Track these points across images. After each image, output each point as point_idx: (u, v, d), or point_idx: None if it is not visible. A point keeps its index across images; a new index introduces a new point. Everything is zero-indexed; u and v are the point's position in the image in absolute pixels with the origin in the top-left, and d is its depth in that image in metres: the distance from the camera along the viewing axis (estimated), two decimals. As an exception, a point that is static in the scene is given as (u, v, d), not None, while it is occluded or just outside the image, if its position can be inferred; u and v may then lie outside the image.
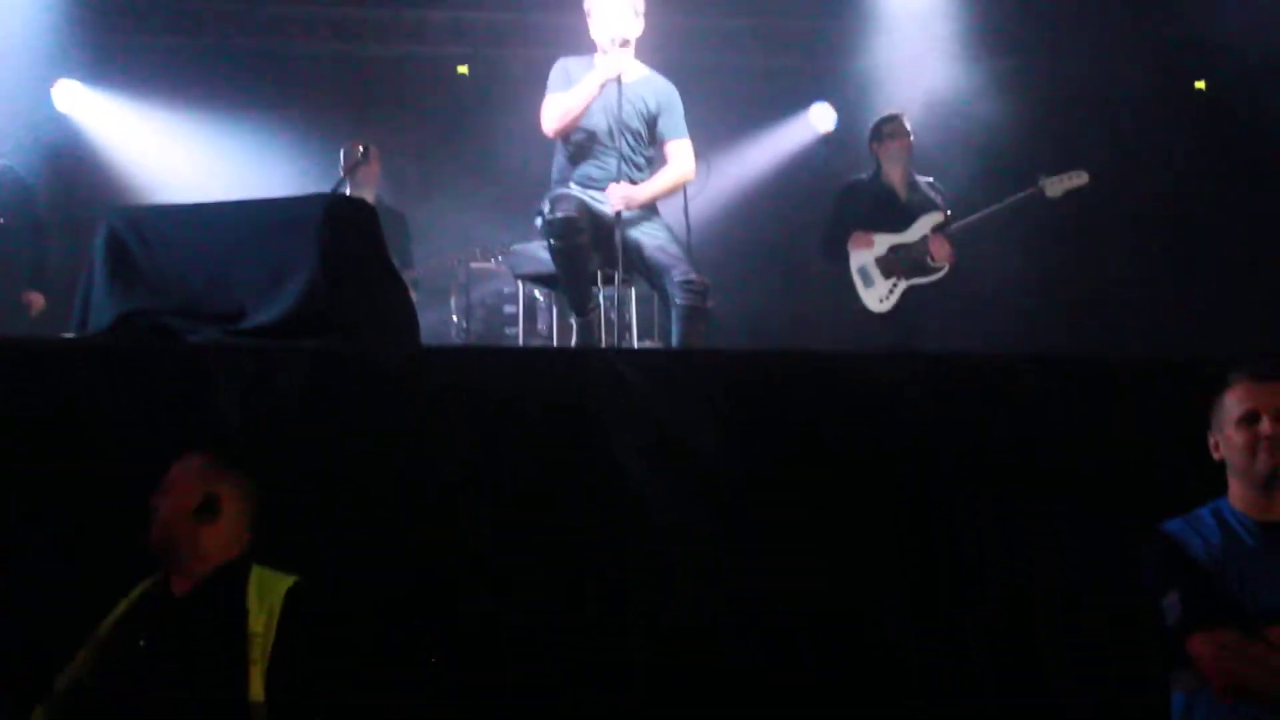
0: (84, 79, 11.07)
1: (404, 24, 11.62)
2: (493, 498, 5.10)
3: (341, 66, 11.62)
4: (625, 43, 7.24)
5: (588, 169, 7.32)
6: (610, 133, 7.22)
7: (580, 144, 7.32)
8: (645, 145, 7.37)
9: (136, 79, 11.10)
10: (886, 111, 9.31)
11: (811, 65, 11.74)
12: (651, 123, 7.36)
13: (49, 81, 10.89)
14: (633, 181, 7.24)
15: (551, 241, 7.03)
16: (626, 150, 7.27)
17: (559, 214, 6.96)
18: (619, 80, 7.15)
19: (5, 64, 10.06)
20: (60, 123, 11.00)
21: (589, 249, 7.06)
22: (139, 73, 11.12)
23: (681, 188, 7.37)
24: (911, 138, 9.05)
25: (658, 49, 7.58)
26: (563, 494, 5.14)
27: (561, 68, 7.38)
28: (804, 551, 5.12)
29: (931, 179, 9.08)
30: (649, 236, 7.11)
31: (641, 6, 7.34)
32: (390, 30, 11.63)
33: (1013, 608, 5.18)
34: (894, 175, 9.00)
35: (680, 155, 7.35)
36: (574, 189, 7.26)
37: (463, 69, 11.61)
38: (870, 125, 9.25)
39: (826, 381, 5.42)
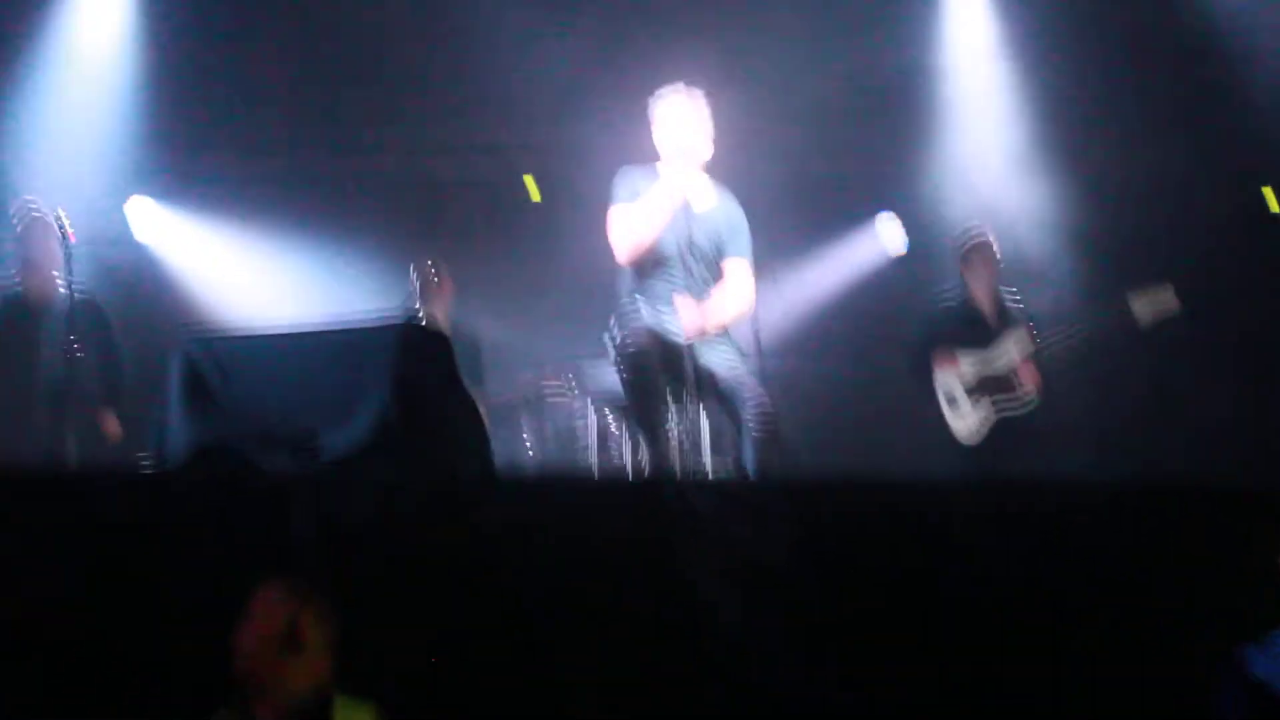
0: (156, 197, 11.17)
1: (475, 142, 11.69)
2: (565, 621, 5.09)
3: (412, 185, 11.66)
4: (697, 165, 7.20)
5: (657, 286, 7.20)
6: (680, 255, 7.16)
7: (648, 263, 7.23)
8: (715, 268, 7.28)
9: (210, 200, 11.19)
10: (972, 229, 9.28)
11: (877, 175, 11.69)
12: (721, 247, 7.28)
13: (121, 200, 10.99)
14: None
15: (623, 374, 6.98)
16: (696, 271, 7.21)
17: (630, 346, 6.90)
18: (687, 204, 7.13)
19: (80, 181, 10.16)
20: (133, 242, 11.09)
21: (660, 376, 6.95)
22: (211, 191, 11.20)
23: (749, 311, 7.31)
24: (998, 257, 9.02)
25: (719, 161, 7.53)
26: (636, 618, 5.13)
27: (627, 177, 7.27)
28: (867, 672, 5.09)
29: (1014, 290, 9.03)
30: (722, 362, 7.02)
31: (712, 129, 7.28)
32: (461, 148, 11.70)
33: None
34: (980, 295, 8.97)
35: (739, 273, 7.26)
36: (642, 309, 7.15)
37: (531, 186, 11.64)
38: (955, 243, 9.24)
39: (897, 508, 5.40)
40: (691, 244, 7.16)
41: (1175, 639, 5.11)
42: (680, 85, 7.31)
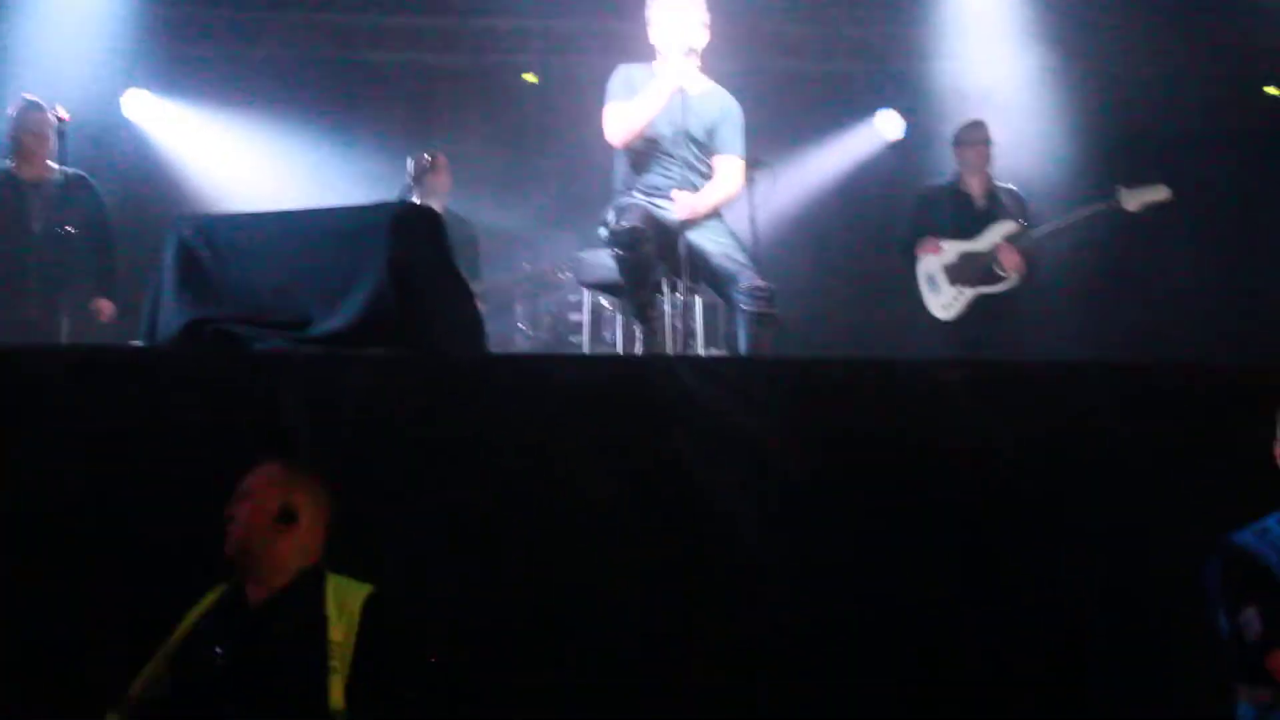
0: (153, 88, 11.13)
1: (471, 32, 11.64)
2: (558, 501, 5.12)
3: (409, 75, 11.63)
4: (691, 52, 7.22)
5: (652, 177, 7.30)
6: (674, 141, 7.21)
7: (643, 152, 7.31)
8: (708, 155, 7.34)
9: (205, 88, 11.15)
10: (969, 117, 9.32)
11: (878, 71, 11.66)
12: (712, 133, 7.33)
13: (118, 91, 10.96)
14: (695, 189, 7.23)
15: (617, 251, 7.02)
16: (690, 159, 7.26)
17: (624, 224, 6.97)
18: (683, 90, 7.15)
19: (74, 74, 10.13)
20: (129, 131, 11.08)
21: (654, 257, 7.04)
22: (207, 81, 11.17)
23: (746, 196, 7.34)
24: (991, 145, 9.03)
25: (722, 57, 7.55)
26: (628, 496, 5.16)
27: (624, 75, 7.35)
28: (861, 548, 5.15)
29: (1014, 186, 9.06)
30: (715, 244, 7.10)
31: (707, 17, 7.30)
32: (457, 38, 11.65)
33: (1064, 613, 5.17)
34: (972, 182, 9.01)
35: (729, 172, 7.30)
36: (638, 197, 7.25)
37: (530, 77, 11.62)
38: (952, 131, 9.25)
39: (886, 387, 5.42)
40: (686, 132, 7.21)
41: (1167, 524, 5.14)
42: None
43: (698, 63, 7.28)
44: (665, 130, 7.23)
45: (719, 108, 7.38)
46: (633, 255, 6.96)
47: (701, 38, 7.28)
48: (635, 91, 7.23)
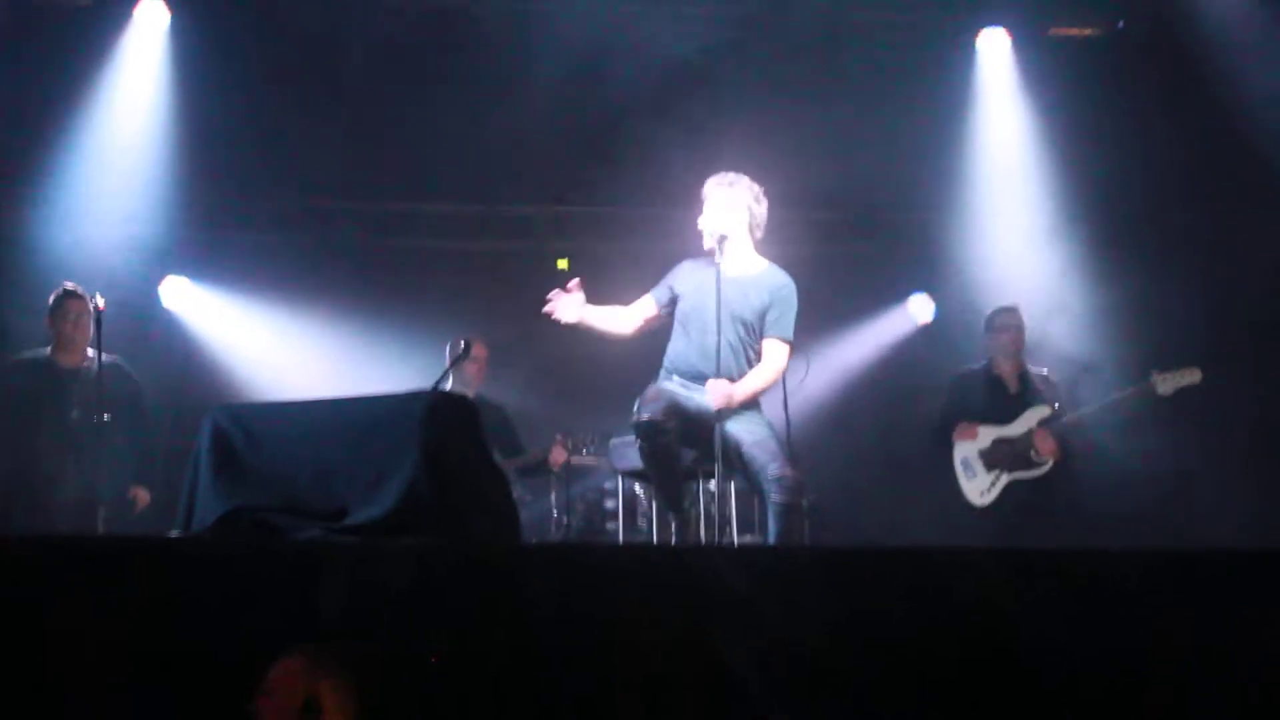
0: (191, 275, 11.29)
1: (504, 218, 11.78)
2: (598, 692, 5.08)
3: (443, 259, 11.77)
4: (723, 238, 7.34)
5: (694, 360, 7.36)
6: (720, 324, 7.24)
7: (690, 332, 7.44)
8: (756, 339, 7.41)
9: (242, 275, 11.31)
10: (1001, 304, 9.39)
11: (910, 256, 11.76)
12: (763, 315, 7.40)
13: (156, 278, 11.11)
14: (741, 373, 7.28)
15: (639, 441, 7.12)
16: (736, 342, 7.35)
17: (644, 416, 7.06)
18: (725, 271, 7.31)
19: (115, 261, 10.28)
20: (167, 318, 11.21)
21: (675, 447, 7.12)
22: (244, 269, 11.34)
23: (779, 382, 7.39)
24: (1024, 330, 9.09)
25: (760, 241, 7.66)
26: (661, 684, 5.11)
27: (676, 273, 7.69)
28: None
29: (1045, 371, 9.11)
30: (748, 433, 7.12)
31: (737, 200, 7.48)
32: (490, 224, 11.80)
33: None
34: (1005, 367, 9.06)
35: (774, 356, 7.40)
36: (674, 383, 7.34)
37: (563, 263, 11.70)
38: (985, 317, 9.31)
39: (919, 577, 5.38)
40: (733, 314, 7.32)
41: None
42: (722, 176, 7.56)
43: (734, 247, 7.42)
44: (710, 313, 7.28)
45: (769, 289, 7.45)
46: (651, 446, 7.07)
47: (729, 221, 7.45)
48: (676, 293, 7.57)
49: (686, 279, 7.55)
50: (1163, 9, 10.36)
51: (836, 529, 9.57)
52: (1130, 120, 10.30)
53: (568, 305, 7.54)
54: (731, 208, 7.47)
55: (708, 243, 7.38)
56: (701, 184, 7.59)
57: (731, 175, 7.55)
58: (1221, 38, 9.90)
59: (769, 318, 7.40)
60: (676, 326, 7.51)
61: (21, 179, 10.51)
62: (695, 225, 7.53)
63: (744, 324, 7.36)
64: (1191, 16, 10.05)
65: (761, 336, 7.41)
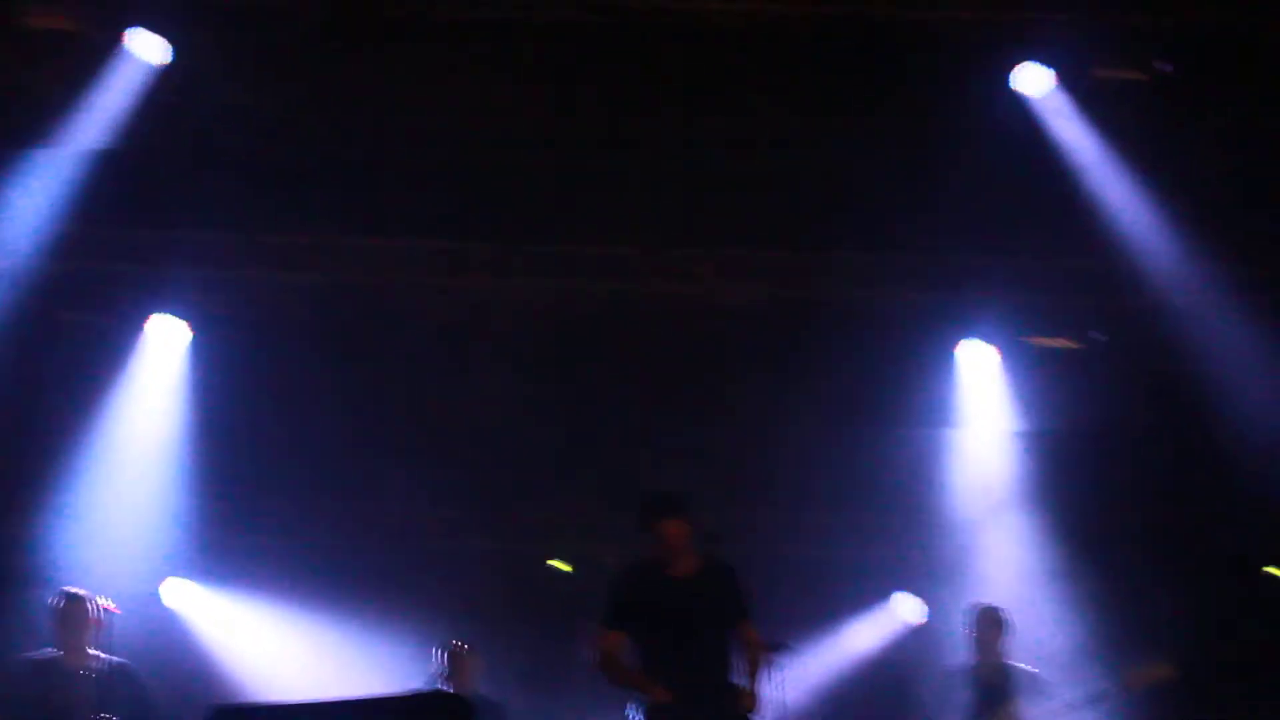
0: (192, 576, 11.45)
1: (505, 521, 11.98)
2: None
3: (446, 559, 11.93)
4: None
5: (673, 665, 7.32)
6: (695, 630, 7.34)
7: (665, 639, 7.41)
8: (723, 627, 7.45)
9: (242, 575, 11.46)
10: (984, 601, 9.54)
11: (895, 556, 11.94)
12: (728, 608, 7.47)
13: (158, 579, 11.28)
14: (722, 665, 7.38)
15: None
16: (712, 642, 7.41)
17: None
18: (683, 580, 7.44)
19: (116, 564, 10.45)
20: (169, 619, 11.33)
21: None
22: (244, 570, 11.49)
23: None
24: (1004, 628, 9.25)
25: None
26: None
27: (619, 587, 7.61)
28: None
29: (1028, 666, 9.21)
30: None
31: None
32: (492, 526, 12.00)
33: None
34: (987, 662, 9.17)
35: (753, 637, 7.44)
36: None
37: (562, 565, 11.86)
38: (968, 612, 9.47)
39: None
40: (703, 617, 7.37)
41: None
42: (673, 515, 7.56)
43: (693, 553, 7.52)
44: (684, 620, 7.36)
45: (718, 582, 7.53)
46: None
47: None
48: (624, 610, 7.46)
49: None
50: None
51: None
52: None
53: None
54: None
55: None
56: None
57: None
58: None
59: (732, 608, 7.49)
60: None
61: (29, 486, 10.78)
62: None
63: (714, 622, 7.45)
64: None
65: (730, 625, 7.50)
